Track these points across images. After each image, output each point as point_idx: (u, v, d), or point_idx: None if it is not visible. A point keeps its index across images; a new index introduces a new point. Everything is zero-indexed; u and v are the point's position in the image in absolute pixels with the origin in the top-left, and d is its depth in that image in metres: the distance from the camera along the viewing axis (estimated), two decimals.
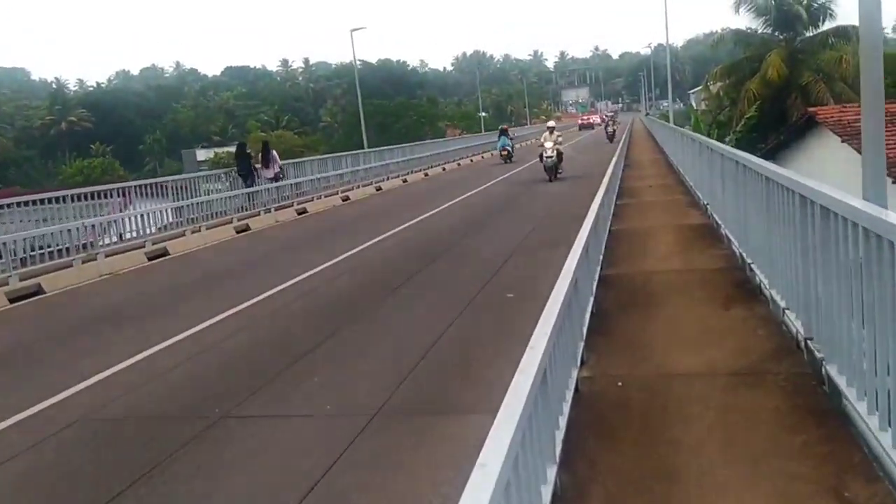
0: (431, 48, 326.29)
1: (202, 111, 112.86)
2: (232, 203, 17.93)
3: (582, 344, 4.97)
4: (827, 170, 22.88)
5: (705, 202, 11.42)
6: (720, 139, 30.46)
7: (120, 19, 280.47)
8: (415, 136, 66.01)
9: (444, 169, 34.52)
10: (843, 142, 22.62)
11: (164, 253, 13.87)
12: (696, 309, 6.18)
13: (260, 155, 20.20)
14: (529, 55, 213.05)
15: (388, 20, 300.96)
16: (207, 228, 15.74)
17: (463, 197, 20.13)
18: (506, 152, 34.99)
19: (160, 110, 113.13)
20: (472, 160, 40.55)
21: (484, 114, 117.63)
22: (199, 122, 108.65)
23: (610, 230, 10.31)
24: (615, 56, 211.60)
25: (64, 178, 75.09)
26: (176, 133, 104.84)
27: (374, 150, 30.46)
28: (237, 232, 16.39)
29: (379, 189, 25.76)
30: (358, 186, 24.81)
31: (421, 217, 16.33)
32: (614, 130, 47.10)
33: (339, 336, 7.26)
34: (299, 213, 19.46)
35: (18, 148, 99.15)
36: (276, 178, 19.96)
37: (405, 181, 28.80)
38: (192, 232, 15.21)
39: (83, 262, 12.20)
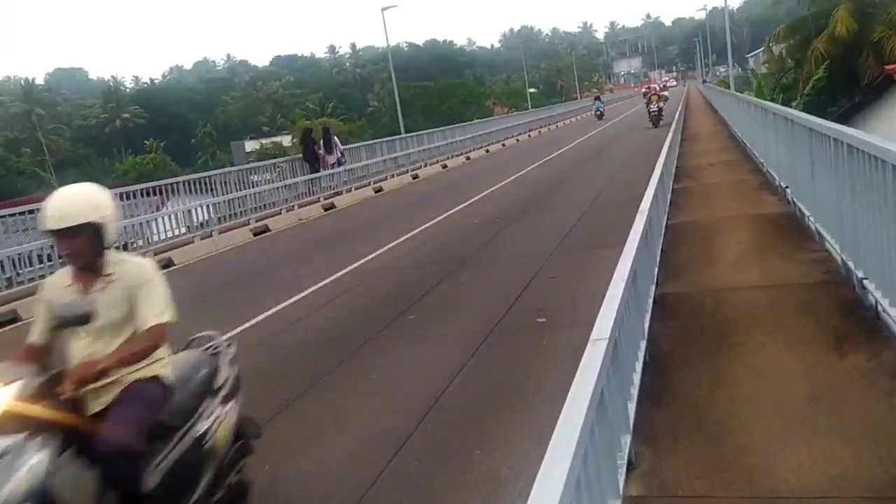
0: (479, 26, 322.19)
1: (251, 102, 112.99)
2: (255, 200, 16.63)
3: (629, 439, 3.27)
4: None
5: (783, 184, 9.46)
6: (785, 104, 27.98)
7: (172, 15, 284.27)
8: (461, 116, 64.14)
9: (487, 151, 32.80)
10: None
11: (168, 264, 12.53)
12: (793, 355, 4.39)
13: (322, 140, 20.63)
14: (579, 27, 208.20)
15: (435, 0, 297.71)
16: (220, 232, 14.35)
17: (508, 180, 18.39)
18: (599, 113, 50.37)
19: (211, 103, 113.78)
20: (517, 140, 38.68)
21: (533, 90, 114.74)
22: (248, 113, 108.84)
23: (666, 225, 8.50)
24: (668, 23, 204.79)
25: (118, 176, 75.92)
26: (226, 125, 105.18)
27: (410, 135, 28.80)
28: (254, 234, 14.98)
29: (416, 177, 24.15)
30: (392, 175, 23.25)
31: (452, 210, 14.66)
32: (661, 109, 32.84)
33: (313, 394, 5.64)
34: (325, 210, 17.99)
35: (76, 147, 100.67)
36: (338, 163, 20.47)
37: (445, 167, 27.14)
38: (203, 238, 13.83)
39: None
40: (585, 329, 2.90)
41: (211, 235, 14.06)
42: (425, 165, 26.22)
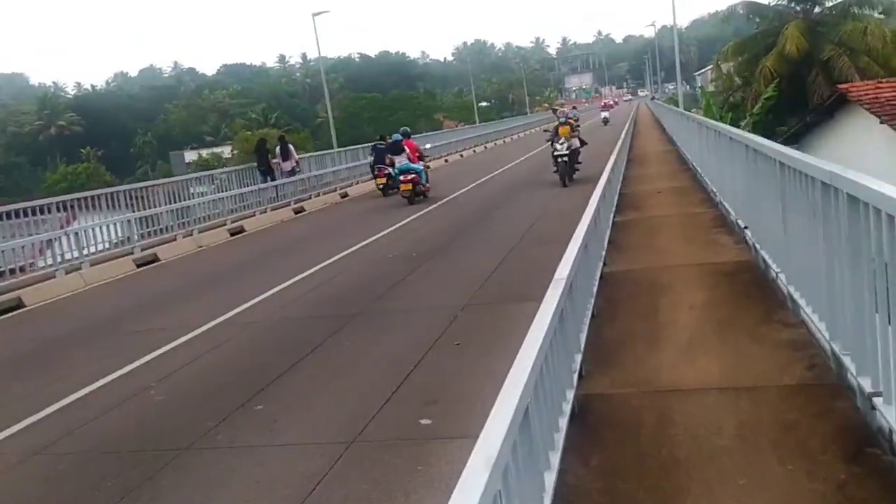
0: (432, 39, 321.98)
1: (194, 111, 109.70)
2: (147, 224, 14.56)
3: None
4: (862, 154, 19.64)
5: (741, 223, 7.88)
6: (734, 123, 27.01)
7: (117, 21, 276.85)
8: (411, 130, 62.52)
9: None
10: (882, 122, 19.39)
11: (16, 306, 10.41)
12: None
13: (278, 149, 20.80)
14: (531, 42, 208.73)
15: (388, 11, 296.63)
16: (92, 265, 12.24)
17: (439, 203, 16.64)
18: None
19: (154, 112, 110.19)
20: (461, 155, 37.05)
21: (485, 103, 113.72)
22: (191, 122, 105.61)
23: (602, 275, 6.81)
24: (618, 40, 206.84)
25: (48, 186, 72.51)
26: (168, 134, 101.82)
27: (343, 149, 26.90)
28: (137, 266, 12.90)
29: (345, 196, 22.25)
30: (318, 194, 21.30)
31: (369, 240, 12.85)
32: (574, 152, 17.85)
33: None
34: (232, 234, 15.95)
35: (9, 154, 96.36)
36: (293, 172, 20.57)
37: None
38: (67, 272, 11.72)
39: None
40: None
41: (80, 268, 11.93)
42: (357, 183, 24.30)
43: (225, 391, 5.88)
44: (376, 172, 20.45)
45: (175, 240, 14.49)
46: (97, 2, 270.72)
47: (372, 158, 21.18)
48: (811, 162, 4.20)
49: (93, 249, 12.68)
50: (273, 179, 19.74)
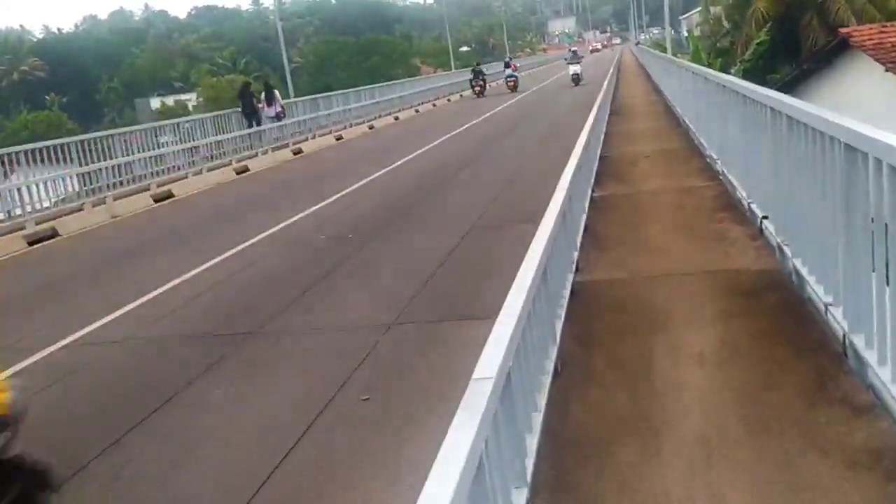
0: None
1: (163, 55, 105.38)
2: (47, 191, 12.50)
3: None
4: (863, 104, 17.83)
5: (757, 210, 5.94)
6: (724, 70, 25.05)
7: None
8: (386, 75, 59.55)
9: (396, 119, 28.78)
10: (887, 70, 17.64)
11: None
12: None
13: (263, 94, 20.57)
14: None
15: None
16: None
17: (400, 162, 14.58)
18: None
19: (121, 56, 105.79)
20: (434, 105, 34.55)
21: (466, 48, 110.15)
22: (159, 67, 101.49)
23: (573, 289, 4.90)
24: None
25: (7, 135, 69.25)
26: (135, 80, 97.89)
27: (301, 99, 24.61)
28: (29, 243, 10.79)
29: (298, 152, 20.04)
30: (267, 151, 19.10)
31: (305, 212, 10.85)
32: None
33: None
34: (157, 201, 13.73)
35: None
36: (277, 118, 20.40)
37: (340, 138, 23.04)
38: None
39: None
40: None
41: None
42: (313, 137, 22.06)
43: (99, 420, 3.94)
44: (473, 84, 36.87)
45: (82, 210, 12.34)
46: None
47: (472, 76, 37.32)
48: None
49: None
50: (259, 124, 19.66)
